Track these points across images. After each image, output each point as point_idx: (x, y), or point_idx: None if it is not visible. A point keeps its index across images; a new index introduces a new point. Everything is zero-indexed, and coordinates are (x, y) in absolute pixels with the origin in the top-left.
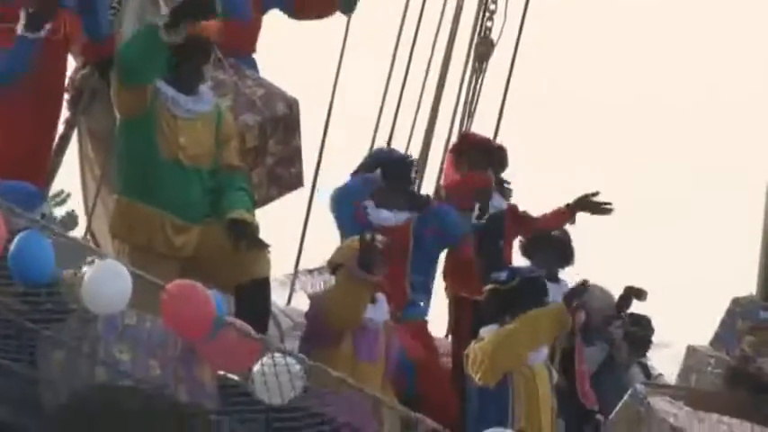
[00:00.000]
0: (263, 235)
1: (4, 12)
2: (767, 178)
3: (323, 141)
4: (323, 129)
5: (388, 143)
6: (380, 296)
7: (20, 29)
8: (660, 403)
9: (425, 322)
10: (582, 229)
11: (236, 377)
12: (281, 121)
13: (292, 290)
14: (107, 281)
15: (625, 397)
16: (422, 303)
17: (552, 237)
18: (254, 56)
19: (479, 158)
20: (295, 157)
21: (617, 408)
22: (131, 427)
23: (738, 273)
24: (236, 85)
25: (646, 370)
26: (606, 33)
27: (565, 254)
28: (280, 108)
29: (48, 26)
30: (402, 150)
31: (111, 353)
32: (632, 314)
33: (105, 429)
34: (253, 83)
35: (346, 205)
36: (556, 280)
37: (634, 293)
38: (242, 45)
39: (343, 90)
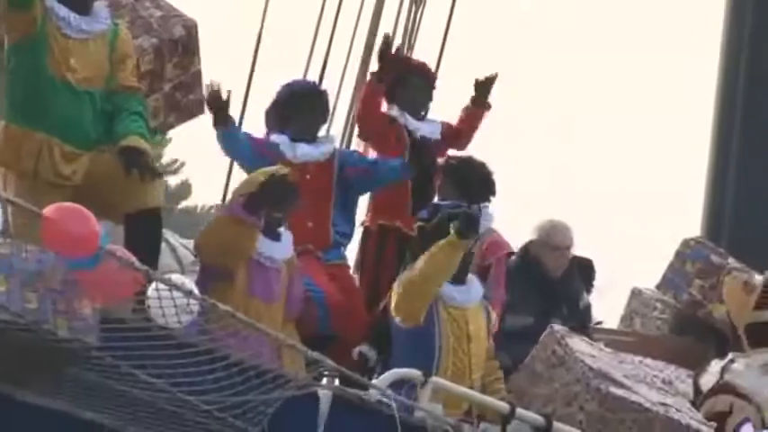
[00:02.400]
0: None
1: None
2: (711, 120)
3: (251, 73)
4: (251, 60)
5: (321, 76)
6: (285, 233)
7: None
8: (579, 344)
9: (347, 265)
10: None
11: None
12: (178, 44)
13: None
14: None
15: (542, 337)
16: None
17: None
18: None
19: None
20: (195, 82)
21: (534, 348)
22: (7, 363)
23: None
24: (132, 7)
25: None
26: None
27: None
28: (177, 31)
29: None
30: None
31: None
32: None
33: None
34: (150, 4)
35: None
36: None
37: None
38: None
39: (275, 16)
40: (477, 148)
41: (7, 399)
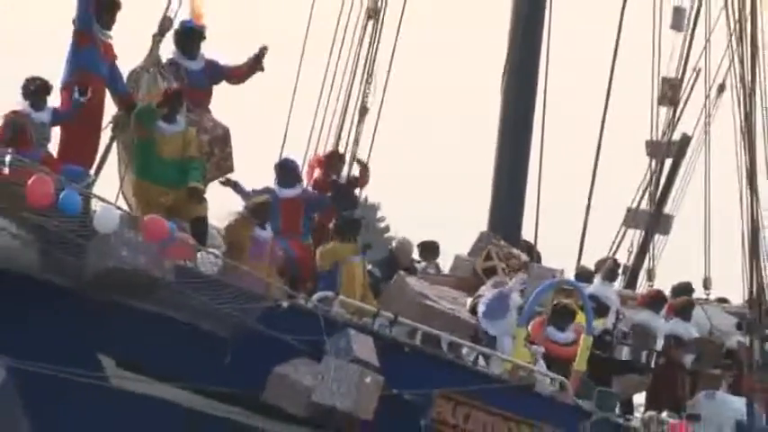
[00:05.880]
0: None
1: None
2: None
3: (284, 139)
4: (283, 136)
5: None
6: (268, 227)
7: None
8: (411, 280)
9: (311, 244)
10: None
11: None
12: (220, 139)
13: None
14: (104, 215)
15: (393, 278)
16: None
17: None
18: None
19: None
20: (228, 156)
21: (389, 284)
22: (129, 289)
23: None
24: (199, 121)
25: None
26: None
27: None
28: (219, 132)
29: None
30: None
31: (117, 251)
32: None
33: (115, 290)
34: (208, 120)
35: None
36: None
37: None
38: (200, 103)
39: (297, 110)
40: None
41: (130, 307)
